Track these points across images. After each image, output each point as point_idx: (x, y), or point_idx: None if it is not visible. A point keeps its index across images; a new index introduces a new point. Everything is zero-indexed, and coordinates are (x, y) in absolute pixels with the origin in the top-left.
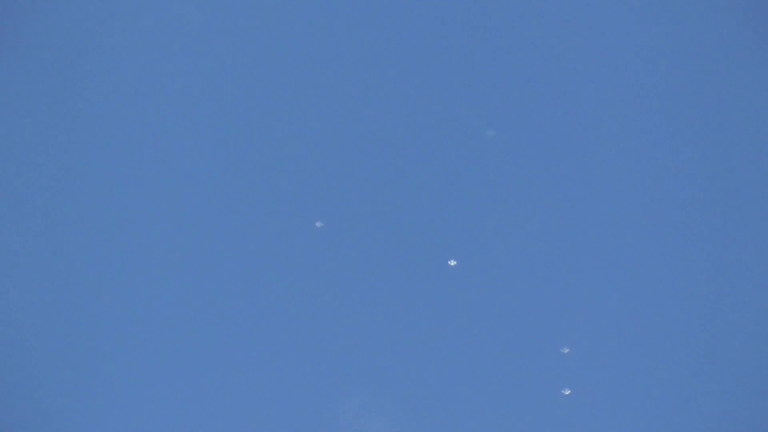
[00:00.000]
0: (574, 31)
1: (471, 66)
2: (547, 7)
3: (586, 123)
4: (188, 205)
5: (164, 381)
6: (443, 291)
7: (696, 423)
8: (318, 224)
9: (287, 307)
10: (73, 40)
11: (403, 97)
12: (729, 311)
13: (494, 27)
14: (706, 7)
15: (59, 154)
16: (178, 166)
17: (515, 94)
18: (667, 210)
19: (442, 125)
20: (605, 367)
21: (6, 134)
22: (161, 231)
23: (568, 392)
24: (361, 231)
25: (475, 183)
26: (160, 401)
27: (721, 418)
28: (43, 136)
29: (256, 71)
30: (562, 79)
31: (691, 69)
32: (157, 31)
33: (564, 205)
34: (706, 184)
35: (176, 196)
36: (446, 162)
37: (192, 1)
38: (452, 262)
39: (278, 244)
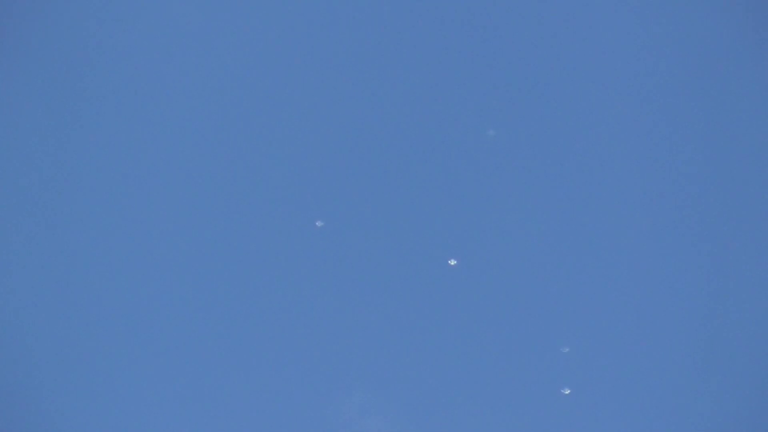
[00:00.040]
0: (574, 31)
1: (471, 66)
2: (547, 8)
3: (586, 123)
4: (188, 204)
5: (164, 381)
6: (443, 291)
7: (696, 423)
8: (318, 224)
9: (287, 307)
10: (73, 40)
11: (403, 97)
12: (729, 311)
13: (494, 27)
14: (706, 7)
15: (59, 154)
16: (179, 166)
17: (515, 94)
18: (667, 210)
19: (442, 125)
20: (605, 367)
21: (6, 134)
22: (161, 231)
23: (567, 392)
24: (361, 230)
25: (475, 183)
26: (160, 401)
27: (721, 418)
28: (43, 136)
29: (257, 71)
30: (562, 79)
31: (691, 69)
32: (158, 31)
33: (564, 204)
34: (706, 184)
35: (176, 196)
36: (446, 162)
37: (192, 1)
38: (452, 262)
39: (278, 243)
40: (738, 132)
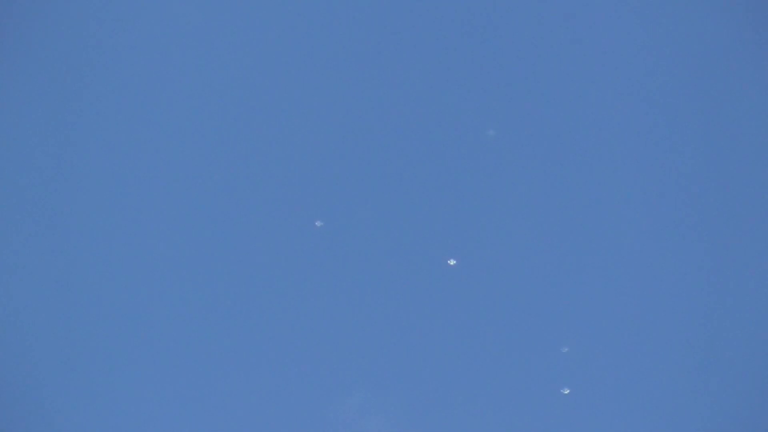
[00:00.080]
0: (574, 31)
1: (471, 66)
2: (547, 7)
3: (586, 123)
4: (188, 204)
5: (164, 381)
6: (443, 290)
7: (696, 423)
8: (318, 224)
9: (287, 307)
10: (73, 40)
11: (403, 97)
12: (729, 311)
13: (494, 27)
14: (706, 7)
15: (59, 154)
16: (178, 166)
17: (515, 94)
18: (667, 210)
19: (442, 125)
20: (604, 367)
21: (6, 134)
22: (161, 230)
23: (567, 391)
24: (360, 230)
25: (474, 183)
26: (160, 401)
27: (721, 418)
28: (43, 136)
29: (256, 71)
30: (562, 79)
31: (691, 69)
32: (158, 31)
33: (563, 204)
34: (706, 184)
35: (176, 196)
36: (446, 161)
37: (192, 1)
38: (452, 262)
39: (278, 243)
40: (738, 132)
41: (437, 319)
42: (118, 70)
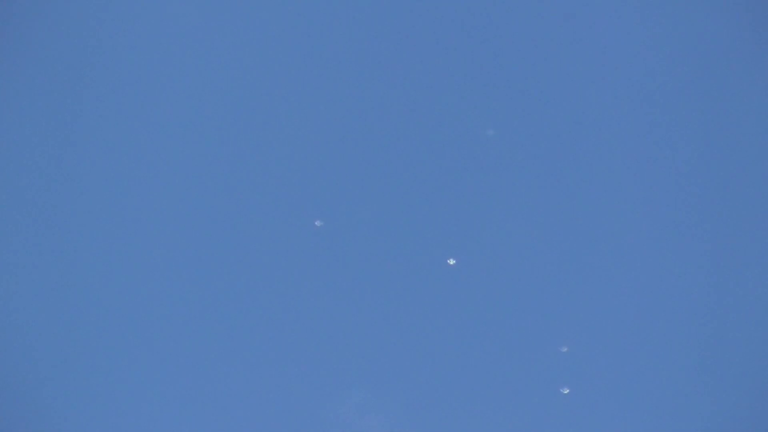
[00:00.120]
0: (573, 31)
1: (471, 66)
2: (547, 7)
3: (585, 123)
4: (188, 204)
5: (164, 381)
6: (442, 290)
7: (695, 422)
8: (317, 223)
9: (287, 306)
10: (73, 40)
11: (402, 97)
12: (729, 311)
13: (494, 27)
14: (706, 7)
15: (59, 154)
16: (178, 166)
17: (515, 94)
18: (667, 209)
19: (442, 125)
20: (604, 366)
21: (6, 134)
22: (161, 230)
23: (566, 391)
24: (360, 230)
25: (474, 182)
26: (160, 401)
27: (721, 418)
28: (43, 136)
29: (256, 71)
30: (561, 79)
31: (691, 69)
32: (158, 31)
33: (563, 204)
34: (706, 184)
35: (176, 196)
36: (446, 161)
37: (192, 1)
38: (451, 261)
39: (278, 242)
40: (738, 132)
41: (437, 318)
42: (118, 70)
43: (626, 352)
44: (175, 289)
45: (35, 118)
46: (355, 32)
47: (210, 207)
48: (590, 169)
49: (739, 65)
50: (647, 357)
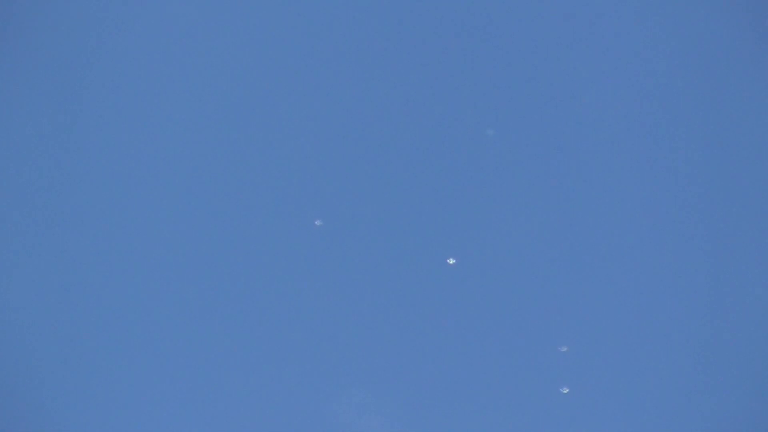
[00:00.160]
0: (573, 31)
1: (470, 66)
2: (547, 7)
3: (585, 122)
4: (188, 204)
5: (164, 381)
6: (442, 289)
7: (695, 422)
8: (317, 223)
9: (286, 306)
10: (73, 40)
11: (402, 96)
12: (729, 311)
13: (494, 27)
14: (706, 7)
15: (59, 154)
16: (178, 166)
17: (515, 93)
18: (667, 209)
19: (442, 125)
20: (603, 366)
21: (6, 134)
22: (161, 230)
23: (566, 391)
24: (360, 230)
25: (474, 182)
26: (160, 401)
27: (721, 418)
28: (43, 136)
29: (256, 71)
30: (561, 79)
31: (691, 69)
32: (158, 31)
33: (563, 204)
34: (706, 184)
35: (176, 196)
36: (445, 161)
37: (192, 1)
38: (451, 261)
39: (277, 242)
40: (738, 132)
41: (436, 318)
42: (118, 70)
43: (626, 352)
44: (175, 288)
45: (35, 118)
46: (355, 32)
47: (210, 206)
48: (590, 169)
49: (739, 65)
50: (647, 357)
